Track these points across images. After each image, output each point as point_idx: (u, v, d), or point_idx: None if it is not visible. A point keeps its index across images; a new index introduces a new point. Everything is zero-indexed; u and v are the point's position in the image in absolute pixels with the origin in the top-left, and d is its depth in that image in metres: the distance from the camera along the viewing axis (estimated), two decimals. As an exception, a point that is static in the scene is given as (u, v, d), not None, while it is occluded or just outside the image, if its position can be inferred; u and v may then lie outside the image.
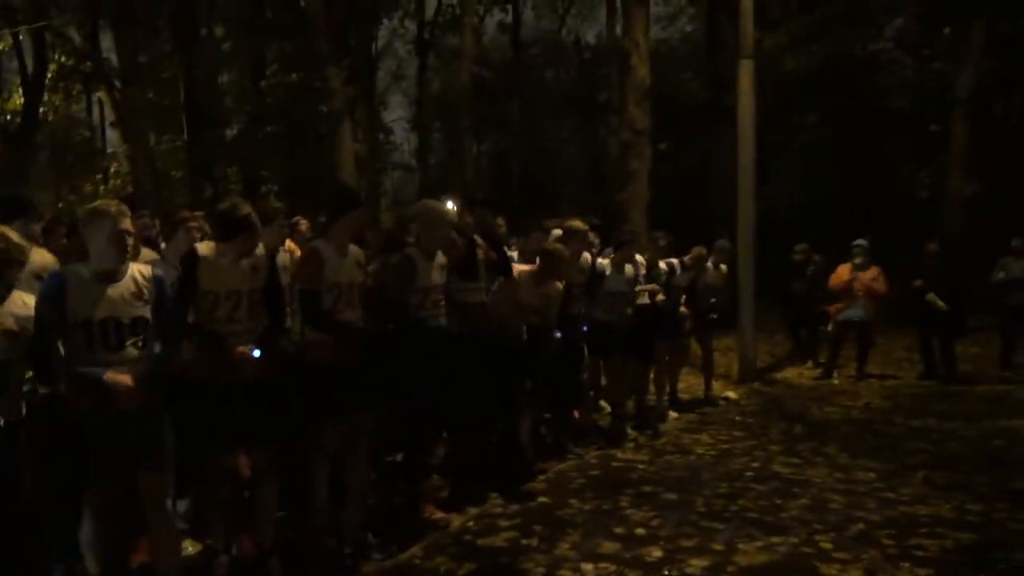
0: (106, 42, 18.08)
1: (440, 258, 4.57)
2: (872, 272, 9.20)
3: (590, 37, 28.18)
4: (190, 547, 3.95)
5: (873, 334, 9.62)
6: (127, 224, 3.10)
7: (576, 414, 6.44)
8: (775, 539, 4.25)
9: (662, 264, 7.06)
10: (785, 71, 16.27)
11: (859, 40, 17.52)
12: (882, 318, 9.78)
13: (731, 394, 8.62)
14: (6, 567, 3.00)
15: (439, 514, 4.57)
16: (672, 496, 5.05)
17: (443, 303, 4.59)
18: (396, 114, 28.72)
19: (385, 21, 23.37)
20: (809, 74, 16.69)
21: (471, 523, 4.59)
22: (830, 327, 9.58)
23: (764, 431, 6.89)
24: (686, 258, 7.49)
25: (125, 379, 3.02)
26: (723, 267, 8.03)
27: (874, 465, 5.67)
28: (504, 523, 4.57)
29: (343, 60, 14.45)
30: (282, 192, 20.87)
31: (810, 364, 10.27)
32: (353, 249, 4.05)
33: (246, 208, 3.56)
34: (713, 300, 7.81)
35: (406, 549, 4.16)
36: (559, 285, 5.51)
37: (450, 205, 5.15)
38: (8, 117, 18.82)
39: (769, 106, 10.11)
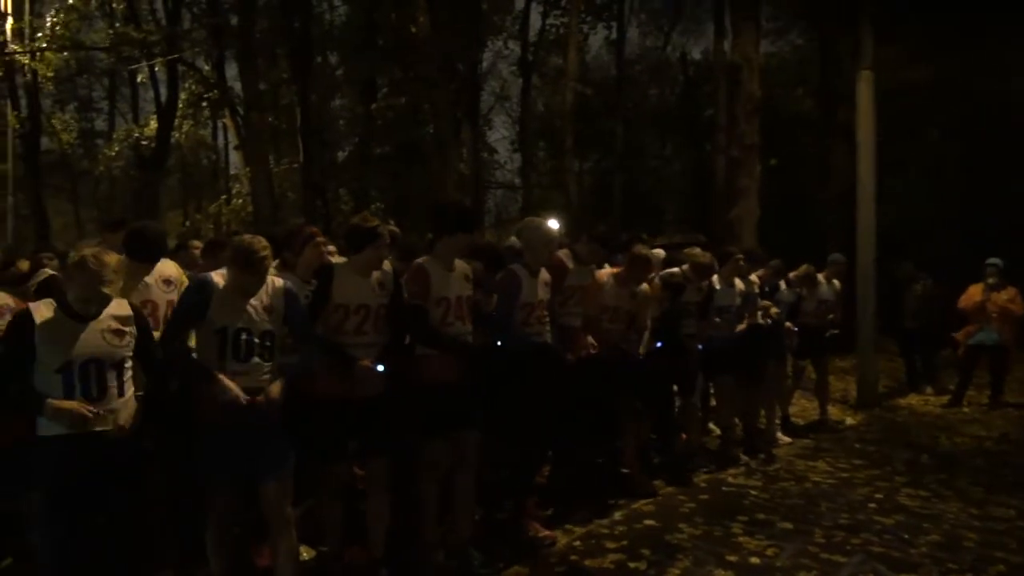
0: (231, 71, 19.25)
1: (544, 275, 4.57)
2: (1008, 293, 8.57)
3: (696, 53, 27.75)
4: (305, 553, 4.05)
5: (1009, 359, 8.92)
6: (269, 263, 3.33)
7: (684, 436, 6.26)
8: (904, 576, 3.99)
9: (752, 277, 6.80)
10: (904, 84, 15.47)
11: (987, 50, 16.45)
12: (1018, 342, 9.07)
13: (849, 419, 8.18)
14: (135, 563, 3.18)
15: (544, 532, 4.53)
16: (788, 525, 4.82)
17: (547, 319, 4.58)
18: (500, 134, 29.17)
19: (489, 43, 23.84)
20: (931, 86, 15.80)
21: (577, 543, 4.52)
22: (959, 351, 8.97)
23: (887, 460, 6.48)
24: (792, 275, 7.21)
25: (233, 387, 3.18)
26: (836, 282, 7.67)
27: (1014, 502, 5.25)
28: (611, 544, 4.48)
29: (450, 83, 14.81)
30: (389, 211, 21.55)
31: (930, 390, 9.64)
32: (460, 264, 4.12)
33: (374, 220, 3.71)
34: (832, 316, 7.47)
35: (511, 566, 4.14)
36: (647, 288, 5.39)
37: (553, 224, 5.14)
38: (144, 143, 20.22)
39: (885, 120, 9.60)
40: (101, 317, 3.05)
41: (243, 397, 3.16)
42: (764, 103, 12.40)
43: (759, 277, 6.79)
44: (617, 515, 4.93)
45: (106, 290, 2.99)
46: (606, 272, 5.32)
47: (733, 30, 12.94)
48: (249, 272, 3.22)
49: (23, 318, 3.00)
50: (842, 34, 14.28)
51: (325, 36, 21.55)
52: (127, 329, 3.11)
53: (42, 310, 3.02)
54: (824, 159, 16.07)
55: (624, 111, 23.88)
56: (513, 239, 6.08)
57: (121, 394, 3.10)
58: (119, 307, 3.14)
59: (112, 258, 3.04)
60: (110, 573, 3.42)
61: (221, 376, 3.18)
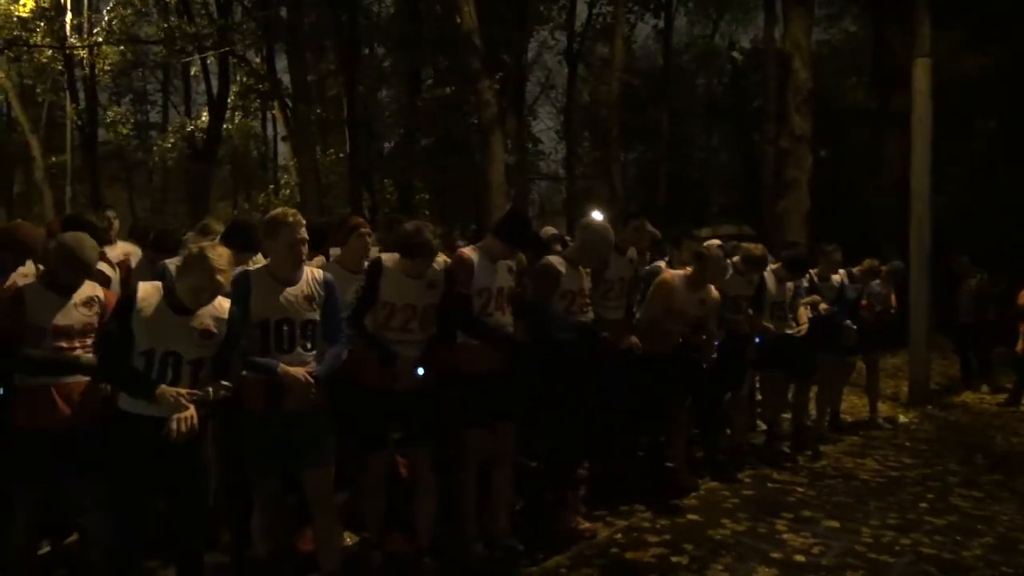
0: (280, 63, 19.54)
1: (583, 268, 4.55)
2: (1068, 289, 8.25)
3: (744, 42, 27.22)
4: (347, 539, 4.11)
5: (1070, 358, 8.60)
6: (303, 233, 3.31)
7: (729, 431, 6.18)
8: (956, 579, 3.89)
9: (835, 277, 6.70)
10: (961, 73, 14.93)
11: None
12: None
13: (901, 417, 7.98)
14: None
15: (585, 524, 4.52)
16: (834, 524, 4.73)
17: (590, 308, 4.55)
18: (545, 124, 29.05)
19: (535, 33, 23.73)
20: (989, 75, 15.22)
21: (618, 535, 4.50)
22: (1019, 347, 8.67)
23: (939, 460, 6.31)
24: (855, 270, 7.05)
25: (299, 372, 3.21)
26: (890, 284, 7.48)
27: (1074, 505, 5.06)
28: (653, 539, 4.45)
29: (495, 73, 14.78)
30: (433, 201, 21.67)
31: (985, 388, 9.35)
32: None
33: (428, 234, 3.67)
34: (879, 308, 7.28)
35: (551, 557, 4.14)
36: (716, 293, 5.30)
37: (597, 215, 5.09)
38: (197, 135, 20.67)
39: (941, 110, 9.27)
40: (199, 313, 3.09)
41: (308, 379, 3.21)
42: (815, 92, 12.13)
43: (815, 273, 6.67)
44: (659, 509, 4.88)
45: (221, 279, 3.03)
46: (675, 273, 5.25)
47: (784, 17, 12.70)
48: (422, 259, 3.55)
49: (126, 301, 3.09)
50: (897, 21, 13.86)
51: (372, 28, 21.72)
52: (216, 331, 3.13)
53: (149, 293, 3.08)
54: (876, 150, 15.65)
55: (671, 101, 23.59)
56: (548, 228, 6.07)
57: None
58: (220, 307, 3.16)
59: (225, 251, 3.11)
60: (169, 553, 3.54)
61: (282, 365, 3.22)
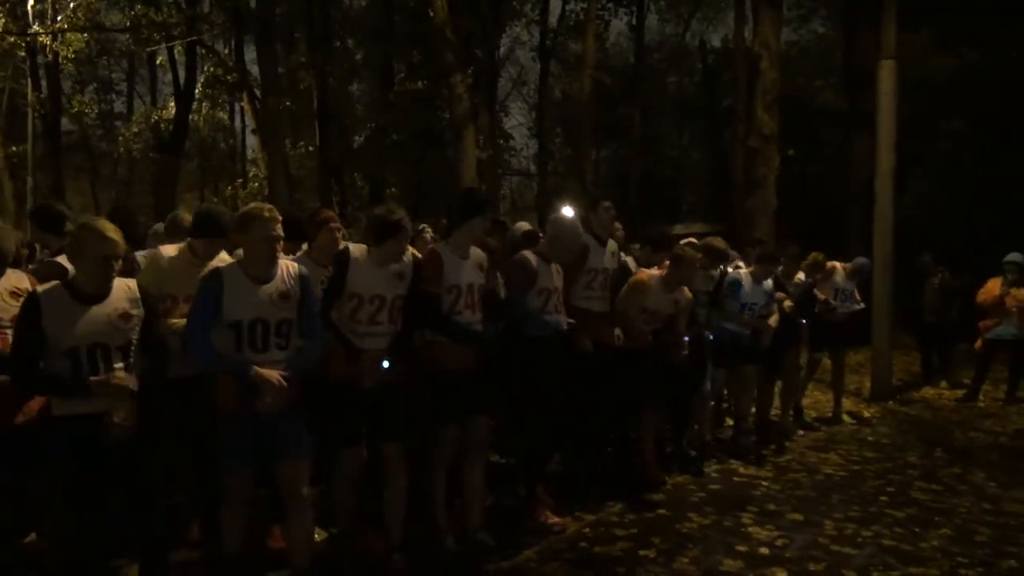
0: (249, 54, 19.29)
1: (555, 264, 4.58)
2: (1027, 288, 8.47)
3: (715, 41, 27.50)
4: (317, 535, 4.09)
5: (1027, 355, 8.84)
6: (278, 229, 3.25)
7: (696, 426, 6.26)
8: (913, 570, 3.99)
9: (798, 276, 6.84)
10: (928, 75, 15.23)
11: (1015, 41, 16.16)
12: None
13: (863, 412, 8.14)
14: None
15: (554, 519, 4.55)
16: (798, 516, 4.82)
17: (563, 308, 4.58)
18: (516, 120, 29.07)
19: (508, 29, 23.72)
20: (956, 77, 15.54)
21: (587, 530, 4.54)
22: (977, 344, 8.89)
23: (900, 454, 6.46)
24: (802, 264, 7.17)
25: (273, 375, 3.17)
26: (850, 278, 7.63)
27: (1028, 498, 5.21)
28: (620, 532, 4.50)
29: (467, 68, 14.76)
30: (405, 196, 21.58)
31: (944, 384, 9.58)
32: (475, 252, 4.11)
33: (399, 213, 3.66)
34: (834, 305, 7.40)
35: (520, 552, 4.16)
36: (688, 293, 5.36)
37: (568, 211, 5.12)
38: (163, 125, 20.34)
39: (907, 111, 9.46)
40: (109, 299, 3.04)
41: (281, 383, 3.18)
42: (784, 93, 12.30)
43: (780, 273, 6.78)
44: (627, 504, 4.93)
45: (114, 236, 2.99)
46: (650, 273, 5.29)
47: (754, 17, 12.83)
48: (395, 239, 3.58)
49: (31, 304, 3.03)
50: (865, 23, 14.10)
51: (344, 20, 21.55)
52: (134, 312, 3.09)
53: (52, 292, 3.02)
54: (844, 150, 15.91)
55: (642, 99, 23.74)
56: (521, 224, 6.07)
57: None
58: (130, 288, 3.13)
59: (105, 220, 3.08)
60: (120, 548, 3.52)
61: (255, 368, 3.17)
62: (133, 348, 3.08)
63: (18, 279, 3.45)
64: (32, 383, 3.03)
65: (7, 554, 3.78)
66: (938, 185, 16.64)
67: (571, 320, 4.58)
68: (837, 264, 7.61)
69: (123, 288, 3.08)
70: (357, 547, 3.92)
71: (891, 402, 8.72)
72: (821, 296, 6.73)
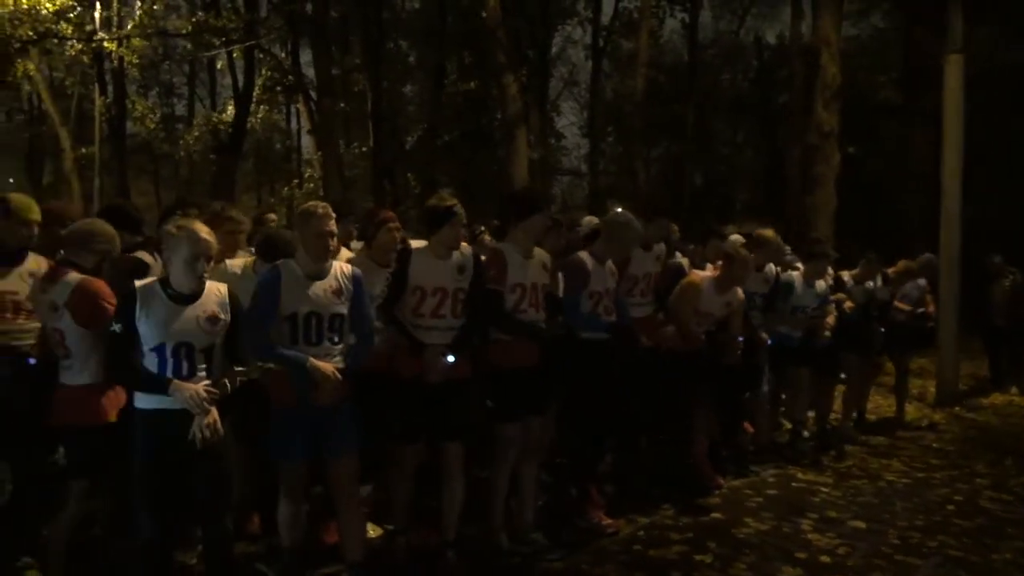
0: (305, 57, 19.64)
1: (611, 264, 4.53)
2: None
3: (771, 37, 26.95)
4: (371, 531, 4.13)
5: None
6: (331, 226, 3.33)
7: (752, 429, 6.15)
8: (984, 582, 3.84)
9: (868, 283, 6.69)
10: (994, 69, 14.69)
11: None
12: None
13: (927, 418, 7.87)
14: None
15: (607, 520, 4.51)
16: (860, 524, 4.68)
17: (612, 309, 4.54)
18: (568, 120, 28.97)
19: (560, 28, 23.67)
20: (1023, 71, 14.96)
21: (641, 532, 4.49)
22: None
23: (967, 462, 6.22)
24: (890, 271, 6.98)
25: (328, 367, 3.24)
26: (922, 281, 7.37)
27: (1107, 510, 4.97)
28: (675, 536, 4.43)
29: (519, 68, 14.76)
30: (456, 195, 21.70)
31: (1015, 390, 9.20)
32: (539, 251, 4.11)
33: (450, 200, 3.72)
34: (921, 310, 7.21)
35: (573, 553, 4.13)
36: (741, 294, 5.26)
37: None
38: (222, 128, 20.85)
39: (972, 106, 9.10)
40: (201, 301, 3.08)
41: (336, 375, 3.24)
42: (843, 88, 11.97)
43: (852, 276, 6.66)
44: (682, 507, 4.87)
45: (208, 237, 3.07)
46: (702, 275, 5.21)
47: (813, 11, 12.52)
48: (449, 225, 3.62)
49: (127, 299, 3.10)
50: (928, 15, 13.65)
51: (397, 22, 21.78)
52: (223, 316, 3.13)
53: (148, 289, 3.08)
54: (905, 147, 15.44)
55: (696, 97, 23.43)
56: (590, 219, 5.96)
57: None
58: (220, 292, 3.17)
59: (200, 223, 3.15)
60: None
61: (312, 359, 3.25)
62: (215, 352, 3.12)
63: (37, 263, 3.58)
64: (125, 375, 3.10)
65: (87, 546, 3.89)
66: (1007, 183, 16.03)
67: (619, 321, 4.53)
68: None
69: (214, 291, 3.13)
70: (412, 543, 3.94)
71: (957, 408, 8.41)
72: (904, 307, 6.51)
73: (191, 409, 2.95)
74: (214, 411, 3.00)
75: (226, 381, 3.08)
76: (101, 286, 3.30)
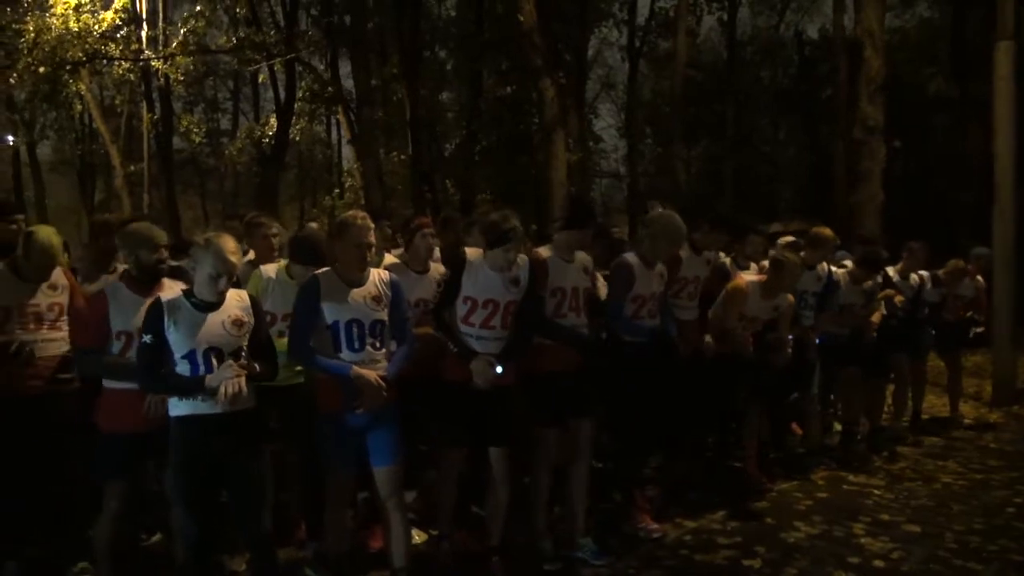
0: (344, 69, 19.90)
1: (661, 267, 4.47)
2: None
3: (811, 31, 26.48)
4: (417, 537, 4.15)
5: None
6: (370, 237, 3.38)
7: (801, 431, 6.02)
8: (1049, 588, 3.69)
9: (913, 276, 6.49)
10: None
11: None
12: None
13: (984, 418, 7.63)
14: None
15: (653, 525, 4.46)
16: (915, 528, 4.55)
17: (657, 313, 4.48)
18: (606, 122, 28.85)
19: (596, 30, 23.58)
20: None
21: (688, 537, 4.43)
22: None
23: (1028, 462, 6.02)
24: (941, 272, 6.78)
25: (371, 375, 3.27)
26: (979, 278, 7.15)
27: None
28: (723, 540, 4.36)
29: (556, 72, 14.73)
30: (496, 200, 21.76)
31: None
32: (580, 255, 4.10)
33: (513, 221, 3.68)
34: (970, 313, 7.00)
35: (620, 558, 4.10)
36: (791, 298, 5.17)
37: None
38: (265, 140, 21.23)
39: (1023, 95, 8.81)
40: (224, 307, 3.18)
41: (380, 382, 3.28)
42: (889, 81, 11.71)
43: (896, 270, 6.49)
44: (730, 511, 4.79)
45: (233, 259, 3.17)
46: (748, 279, 5.13)
47: (855, 3, 12.29)
48: (507, 246, 3.58)
49: (156, 310, 3.19)
50: (976, 3, 13.29)
51: (434, 30, 21.94)
52: (247, 319, 3.22)
53: (174, 299, 3.19)
54: (956, 140, 15.03)
55: (735, 94, 23.14)
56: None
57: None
58: (241, 297, 3.28)
59: (230, 237, 3.22)
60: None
61: (355, 367, 3.29)
62: (244, 354, 3.20)
63: (57, 275, 3.78)
64: (157, 383, 3.19)
65: (136, 553, 3.98)
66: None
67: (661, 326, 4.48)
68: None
69: (235, 297, 3.24)
70: (456, 548, 3.94)
71: (1015, 407, 8.13)
72: (898, 298, 6.33)
73: (223, 378, 3.03)
74: (243, 375, 3.08)
75: (255, 364, 3.17)
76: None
